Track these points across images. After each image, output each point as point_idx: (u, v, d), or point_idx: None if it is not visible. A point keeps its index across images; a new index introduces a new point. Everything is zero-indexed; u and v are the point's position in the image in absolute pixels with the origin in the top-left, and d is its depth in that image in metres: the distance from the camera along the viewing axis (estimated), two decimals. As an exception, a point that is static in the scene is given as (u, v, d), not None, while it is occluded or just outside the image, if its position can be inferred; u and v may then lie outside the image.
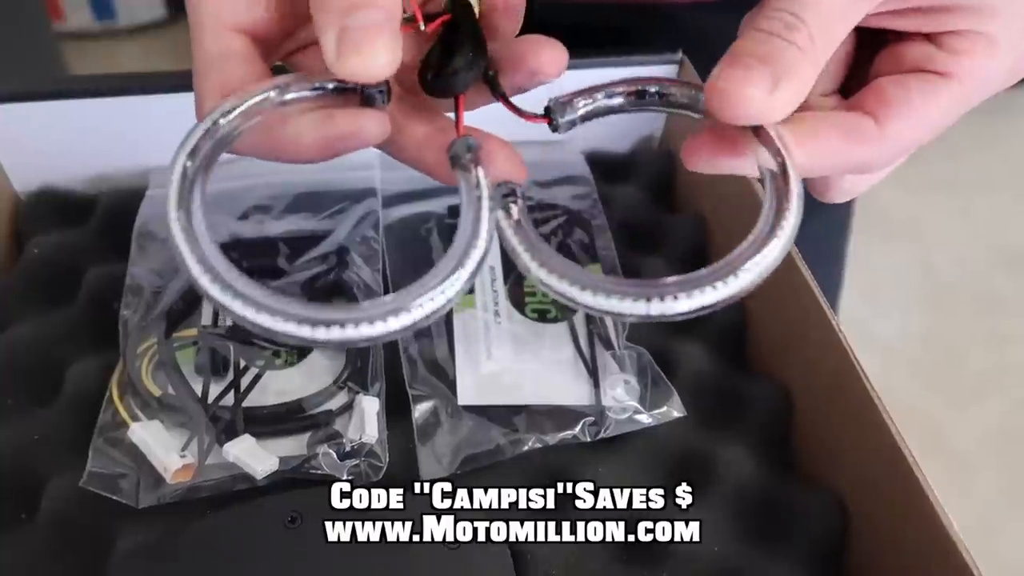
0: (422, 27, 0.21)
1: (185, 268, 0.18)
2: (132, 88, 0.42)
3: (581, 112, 0.23)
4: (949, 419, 1.35)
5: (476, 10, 0.22)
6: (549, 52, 0.22)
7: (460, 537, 0.30)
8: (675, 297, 0.19)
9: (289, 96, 0.21)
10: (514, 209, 0.21)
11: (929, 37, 0.24)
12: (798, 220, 0.21)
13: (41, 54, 1.21)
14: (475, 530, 0.30)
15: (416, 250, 0.41)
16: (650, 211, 0.45)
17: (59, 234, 0.41)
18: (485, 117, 0.24)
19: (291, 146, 0.21)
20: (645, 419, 0.34)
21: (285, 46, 0.24)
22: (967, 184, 1.65)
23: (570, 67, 0.45)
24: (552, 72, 0.23)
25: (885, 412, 0.31)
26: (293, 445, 0.33)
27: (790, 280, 0.36)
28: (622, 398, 0.34)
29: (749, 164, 0.23)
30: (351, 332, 0.17)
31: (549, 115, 0.23)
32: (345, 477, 0.31)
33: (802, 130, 0.23)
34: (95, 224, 0.42)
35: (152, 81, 0.42)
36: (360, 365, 0.35)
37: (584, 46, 0.47)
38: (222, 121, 0.20)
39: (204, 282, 0.17)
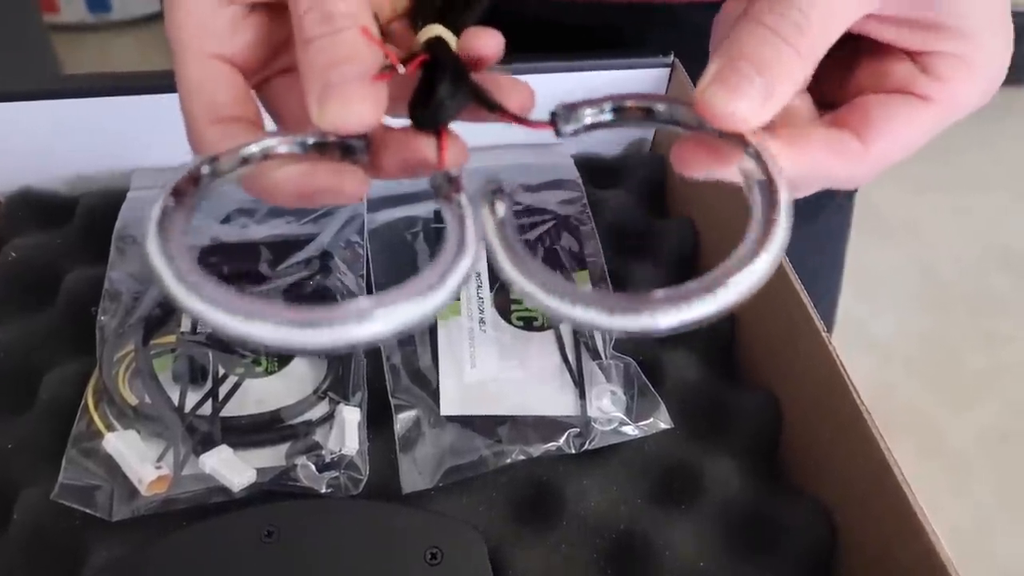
0: (400, 70, 0.22)
1: (168, 291, 0.17)
2: (114, 89, 0.41)
3: (587, 122, 0.23)
4: (946, 419, 1.35)
5: (453, 46, 0.23)
6: (518, 96, 0.23)
7: (441, 551, 0.29)
8: (665, 312, 0.18)
9: (274, 152, 0.21)
10: (500, 207, 0.21)
11: (911, 56, 0.24)
12: (787, 232, 0.21)
13: (33, 48, 1.20)
14: (456, 543, 0.30)
15: (401, 255, 0.40)
16: (640, 216, 0.44)
17: (38, 236, 0.41)
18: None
19: (271, 194, 0.22)
20: (631, 431, 0.34)
21: (260, 73, 0.25)
22: (964, 184, 1.64)
23: (560, 70, 0.44)
24: (523, 105, 0.23)
25: (873, 425, 0.31)
26: (271, 456, 0.32)
27: (779, 290, 0.35)
28: (608, 409, 0.34)
29: (735, 170, 0.23)
30: (326, 335, 0.17)
31: (554, 122, 0.23)
32: (324, 490, 0.31)
33: (789, 142, 0.23)
34: (75, 226, 0.41)
35: (134, 82, 0.41)
36: (341, 374, 0.34)
37: (579, 45, 0.47)
38: (205, 169, 0.20)
39: (188, 301, 0.17)
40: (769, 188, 0.21)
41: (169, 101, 0.41)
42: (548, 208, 0.42)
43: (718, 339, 0.39)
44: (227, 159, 0.20)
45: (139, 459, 0.30)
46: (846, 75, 0.26)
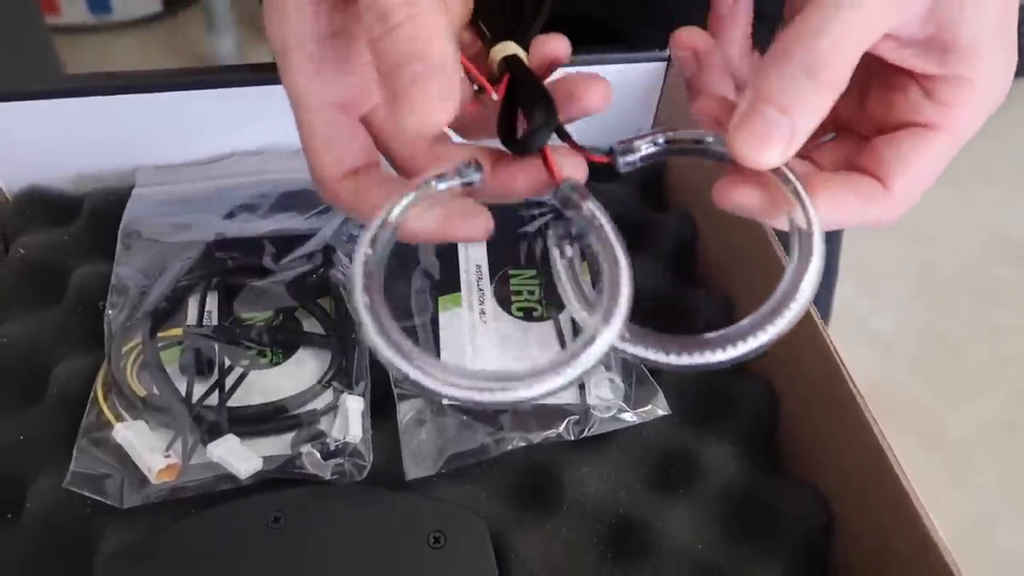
0: (495, 97, 0.23)
1: (382, 355, 0.20)
2: (117, 88, 0.41)
3: (642, 154, 0.24)
4: (948, 412, 1.35)
5: (525, 60, 0.24)
6: (598, 90, 0.24)
7: (444, 535, 0.30)
8: (718, 350, 0.22)
9: (411, 206, 0.23)
10: (568, 249, 0.23)
11: (918, 81, 0.25)
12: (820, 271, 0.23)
13: (35, 49, 1.21)
14: (459, 528, 0.30)
15: (402, 248, 0.40)
16: (638, 209, 0.44)
17: (46, 234, 0.41)
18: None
19: (413, 237, 0.24)
20: (629, 417, 0.34)
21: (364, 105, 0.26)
22: (966, 175, 1.64)
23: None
24: (601, 108, 0.24)
25: (869, 413, 0.31)
26: (277, 445, 0.33)
27: (775, 279, 0.36)
28: (607, 396, 0.35)
29: (775, 211, 0.24)
30: (523, 392, 0.20)
31: (611, 156, 0.24)
32: (329, 477, 0.32)
33: (818, 188, 0.24)
34: (82, 223, 0.42)
35: (137, 81, 0.42)
36: (344, 365, 0.35)
37: (575, 36, 0.47)
38: (368, 251, 0.22)
39: (400, 363, 0.20)
40: (804, 224, 0.23)
41: (171, 100, 0.42)
42: (547, 200, 0.42)
43: (715, 327, 0.39)
44: (382, 233, 0.22)
45: (148, 448, 0.31)
46: (859, 99, 0.27)
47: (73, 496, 0.31)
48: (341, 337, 0.36)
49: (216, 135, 0.44)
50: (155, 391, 0.33)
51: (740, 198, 0.24)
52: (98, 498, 0.31)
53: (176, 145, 0.44)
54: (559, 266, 0.23)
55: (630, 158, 0.24)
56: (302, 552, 0.29)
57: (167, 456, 0.31)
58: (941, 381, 1.38)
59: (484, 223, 0.24)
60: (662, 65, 0.46)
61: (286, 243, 0.39)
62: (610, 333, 0.20)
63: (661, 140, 0.24)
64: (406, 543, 0.30)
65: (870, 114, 0.27)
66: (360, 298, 0.20)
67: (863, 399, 0.31)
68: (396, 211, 0.22)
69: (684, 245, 0.43)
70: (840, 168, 0.27)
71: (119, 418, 0.33)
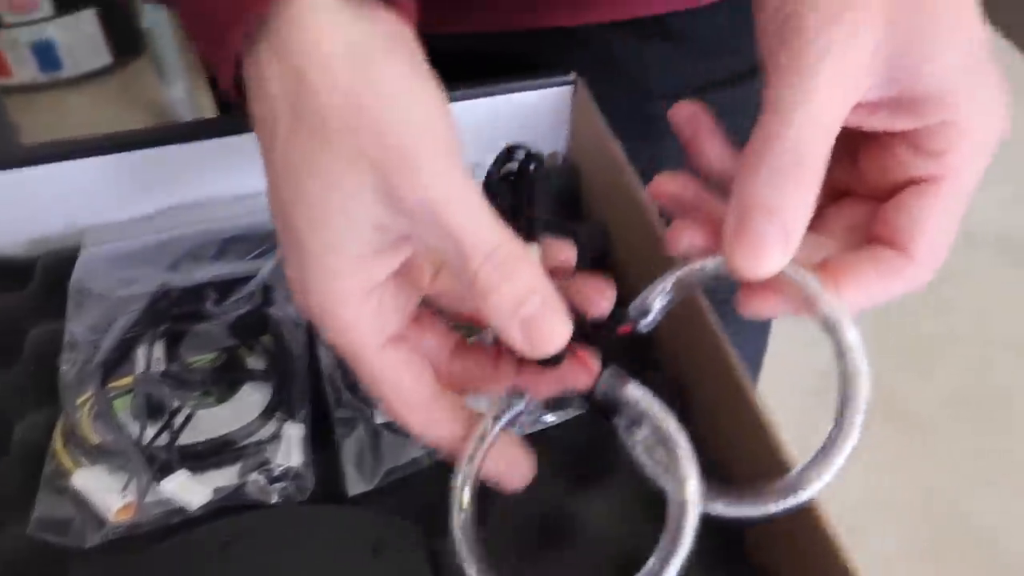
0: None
1: None
2: (62, 154, 0.44)
3: (658, 307, 0.26)
4: (911, 386, 1.40)
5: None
6: (604, 296, 0.26)
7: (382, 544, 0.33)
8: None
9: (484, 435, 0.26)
10: (638, 432, 0.26)
11: (904, 139, 0.25)
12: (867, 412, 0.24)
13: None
14: (396, 536, 0.33)
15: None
16: (554, 222, 0.48)
17: (1, 298, 0.44)
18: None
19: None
20: (550, 418, 0.37)
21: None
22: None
23: (468, 98, 0.48)
24: (607, 308, 0.26)
25: (759, 406, 0.34)
26: (227, 475, 0.35)
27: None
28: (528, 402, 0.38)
29: (804, 306, 0.25)
30: None
31: (633, 323, 0.26)
32: (275, 500, 0.34)
33: (842, 272, 0.24)
34: (35, 286, 0.45)
35: (80, 146, 0.44)
36: (285, 395, 0.38)
37: (481, 74, 0.50)
38: (461, 514, 0.26)
39: None
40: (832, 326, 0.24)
41: (115, 161, 0.44)
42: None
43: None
44: (466, 490, 0.26)
45: (105, 491, 0.34)
46: (850, 163, 0.27)
47: (40, 540, 0.33)
48: (281, 371, 0.39)
49: (160, 190, 0.47)
50: (109, 437, 0.36)
51: (764, 309, 0.25)
52: (62, 540, 0.33)
53: (122, 202, 0.47)
54: (638, 452, 0.26)
55: (649, 319, 0.26)
56: (253, 571, 0.32)
57: (124, 496, 0.34)
58: (900, 358, 1.43)
59: (530, 471, 0.28)
60: (568, 88, 0.49)
61: (227, 287, 0.42)
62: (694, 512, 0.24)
63: (669, 287, 0.26)
64: (348, 554, 0.32)
65: (865, 178, 0.26)
66: (469, 566, 0.24)
67: (751, 385, 0.35)
68: (472, 466, 0.26)
69: (601, 255, 0.47)
70: (850, 230, 0.26)
71: (77, 465, 0.35)
